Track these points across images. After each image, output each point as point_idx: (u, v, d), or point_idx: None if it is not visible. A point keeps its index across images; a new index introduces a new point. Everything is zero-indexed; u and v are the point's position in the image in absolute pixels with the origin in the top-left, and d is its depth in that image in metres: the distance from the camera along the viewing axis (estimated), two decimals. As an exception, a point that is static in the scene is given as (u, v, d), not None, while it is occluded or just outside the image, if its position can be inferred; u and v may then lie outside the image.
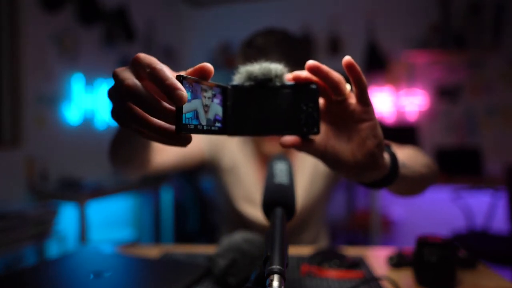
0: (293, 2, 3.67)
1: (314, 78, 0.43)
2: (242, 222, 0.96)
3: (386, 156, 0.46)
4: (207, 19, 3.97)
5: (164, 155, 0.82)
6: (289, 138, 0.43)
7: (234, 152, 0.98)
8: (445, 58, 3.25)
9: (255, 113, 0.42)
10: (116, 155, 0.68)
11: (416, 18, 3.33)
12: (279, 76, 0.43)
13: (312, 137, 0.44)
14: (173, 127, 0.35)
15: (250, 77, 0.42)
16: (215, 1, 3.82)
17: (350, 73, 0.40)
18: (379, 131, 0.42)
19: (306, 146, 0.43)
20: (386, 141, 0.54)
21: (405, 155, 0.61)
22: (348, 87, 0.43)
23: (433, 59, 3.28)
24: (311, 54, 0.97)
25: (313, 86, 0.42)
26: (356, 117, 0.42)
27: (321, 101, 0.45)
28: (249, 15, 3.76)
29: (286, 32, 0.85)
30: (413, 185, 0.59)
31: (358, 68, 0.40)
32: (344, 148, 0.43)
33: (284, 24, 1.47)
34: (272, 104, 0.42)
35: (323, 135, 0.44)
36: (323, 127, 0.45)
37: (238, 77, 0.43)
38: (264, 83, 0.42)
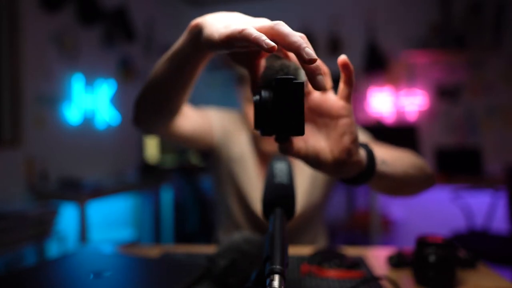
0: (293, 2, 3.67)
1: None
2: (249, 212, 0.95)
3: (363, 152, 0.47)
4: (207, 19, 3.98)
5: (186, 121, 0.81)
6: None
7: (243, 144, 0.98)
8: (445, 58, 3.25)
9: (267, 111, 0.39)
10: (149, 97, 0.64)
11: (416, 18, 3.33)
12: (299, 73, 0.44)
13: (295, 137, 0.44)
14: None
15: (284, 70, 0.43)
16: (215, 0, 3.82)
17: (344, 71, 0.45)
18: (355, 128, 0.45)
19: (288, 147, 0.44)
20: (367, 140, 0.56)
21: (390, 154, 0.61)
22: (329, 82, 0.47)
23: (433, 59, 3.28)
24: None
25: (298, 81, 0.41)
26: (334, 113, 0.45)
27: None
28: (248, 14, 3.75)
29: None
30: (396, 184, 0.58)
31: (352, 67, 0.44)
32: (323, 146, 0.45)
33: (284, 24, 1.47)
34: (274, 101, 0.39)
35: (303, 136, 0.44)
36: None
37: (269, 72, 0.44)
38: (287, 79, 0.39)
